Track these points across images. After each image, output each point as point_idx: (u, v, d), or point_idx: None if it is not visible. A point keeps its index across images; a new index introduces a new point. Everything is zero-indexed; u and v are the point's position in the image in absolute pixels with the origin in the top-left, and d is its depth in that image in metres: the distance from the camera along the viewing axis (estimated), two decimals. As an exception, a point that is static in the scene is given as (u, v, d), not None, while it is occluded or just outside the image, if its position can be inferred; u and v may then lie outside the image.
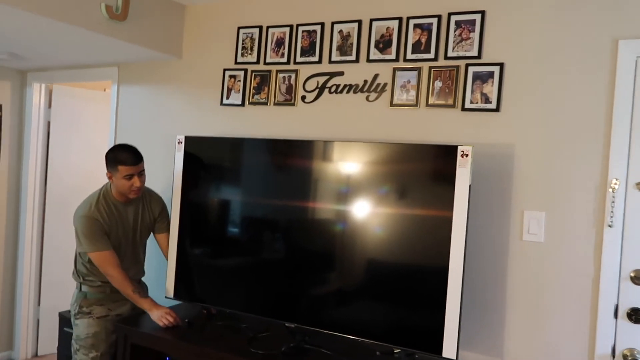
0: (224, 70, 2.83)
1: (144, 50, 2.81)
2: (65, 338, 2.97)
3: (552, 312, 2.07)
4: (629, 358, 1.92)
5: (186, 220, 2.58)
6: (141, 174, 2.44)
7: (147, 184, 2.73)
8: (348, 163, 2.24)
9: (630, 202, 1.95)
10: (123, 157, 2.39)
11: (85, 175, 3.68)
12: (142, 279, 2.69)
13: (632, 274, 1.94)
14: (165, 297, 2.61)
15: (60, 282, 3.58)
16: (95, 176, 3.60)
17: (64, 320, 2.99)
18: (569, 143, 2.05)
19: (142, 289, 2.55)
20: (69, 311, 3.00)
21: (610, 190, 1.96)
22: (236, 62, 2.80)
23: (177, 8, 2.93)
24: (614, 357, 1.96)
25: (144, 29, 2.73)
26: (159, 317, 2.38)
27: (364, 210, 2.17)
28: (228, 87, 2.82)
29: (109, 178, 2.44)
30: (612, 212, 1.96)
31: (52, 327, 3.45)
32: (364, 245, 2.19)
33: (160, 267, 2.92)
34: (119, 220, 2.48)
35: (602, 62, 2.00)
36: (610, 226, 1.96)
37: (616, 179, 1.96)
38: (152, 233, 2.67)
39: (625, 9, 1.96)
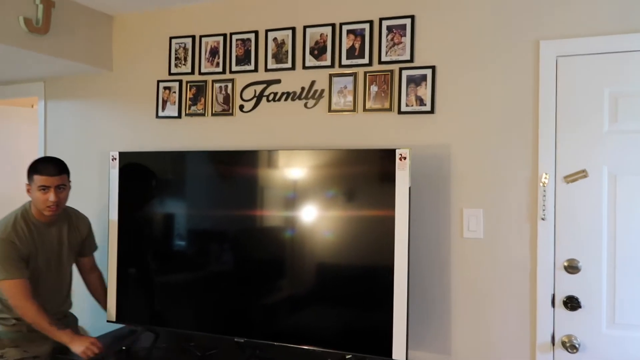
0: (158, 81, 2.74)
1: (71, 64, 2.68)
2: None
3: (495, 306, 2.13)
4: (567, 344, 2.01)
5: (126, 239, 2.48)
6: (60, 188, 2.20)
7: (83, 203, 2.59)
8: (291, 172, 2.22)
9: (559, 195, 2.04)
10: (40, 166, 2.18)
11: (13, 199, 3.45)
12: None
13: (566, 264, 2.03)
14: (107, 320, 2.50)
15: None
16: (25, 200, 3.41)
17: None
18: (501, 141, 2.12)
19: (59, 322, 2.22)
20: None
21: (541, 184, 2.05)
22: (170, 73, 2.72)
23: (103, 19, 2.81)
24: (553, 344, 2.04)
25: (69, 41, 2.60)
26: (85, 349, 2.12)
27: (309, 219, 2.16)
28: (163, 99, 2.73)
29: (27, 191, 2.23)
30: (544, 205, 2.04)
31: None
32: (310, 254, 2.17)
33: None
34: (39, 243, 2.22)
35: (526, 62, 2.08)
36: (543, 219, 2.04)
37: (546, 174, 2.04)
38: None
39: (545, 12, 2.05)
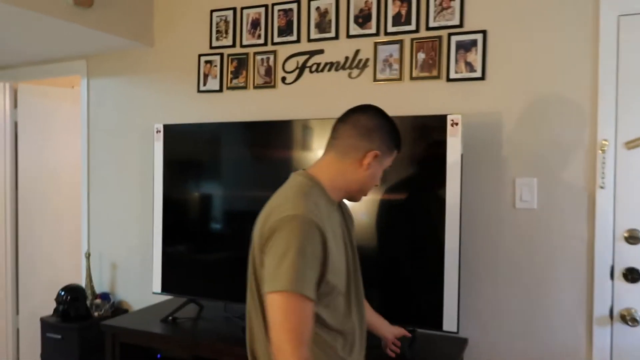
0: (199, 55, 2.73)
1: (113, 39, 2.69)
2: (48, 344, 2.84)
3: (549, 279, 2.05)
4: (627, 318, 1.92)
5: (170, 212, 2.49)
6: None
7: (127, 179, 2.62)
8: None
9: (620, 162, 1.94)
10: (399, 140, 1.46)
11: (58, 177, 3.53)
12: None
13: (626, 234, 1.94)
14: (153, 292, 2.52)
15: (39, 288, 3.45)
16: (68, 178, 3.47)
17: (47, 325, 2.85)
18: (556, 107, 2.03)
19: None
20: (51, 316, 2.87)
21: (600, 151, 1.96)
22: (211, 47, 2.70)
23: (145, -7, 2.82)
24: (612, 318, 1.96)
25: (112, 15, 2.61)
26: None
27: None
28: (204, 73, 2.72)
29: (366, 163, 1.36)
30: (603, 173, 1.96)
31: (33, 335, 3.31)
32: (365, 226, 2.13)
33: (147, 262, 2.84)
34: (337, 234, 1.35)
35: (584, 22, 1.98)
36: (602, 187, 1.96)
37: (605, 140, 1.95)
38: None
39: (605, -31, 1.94)
